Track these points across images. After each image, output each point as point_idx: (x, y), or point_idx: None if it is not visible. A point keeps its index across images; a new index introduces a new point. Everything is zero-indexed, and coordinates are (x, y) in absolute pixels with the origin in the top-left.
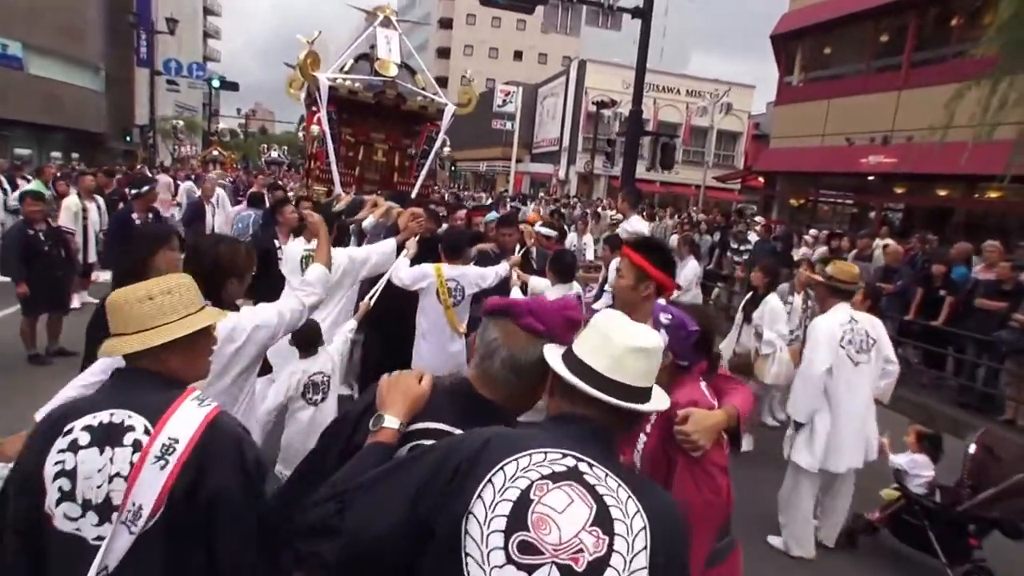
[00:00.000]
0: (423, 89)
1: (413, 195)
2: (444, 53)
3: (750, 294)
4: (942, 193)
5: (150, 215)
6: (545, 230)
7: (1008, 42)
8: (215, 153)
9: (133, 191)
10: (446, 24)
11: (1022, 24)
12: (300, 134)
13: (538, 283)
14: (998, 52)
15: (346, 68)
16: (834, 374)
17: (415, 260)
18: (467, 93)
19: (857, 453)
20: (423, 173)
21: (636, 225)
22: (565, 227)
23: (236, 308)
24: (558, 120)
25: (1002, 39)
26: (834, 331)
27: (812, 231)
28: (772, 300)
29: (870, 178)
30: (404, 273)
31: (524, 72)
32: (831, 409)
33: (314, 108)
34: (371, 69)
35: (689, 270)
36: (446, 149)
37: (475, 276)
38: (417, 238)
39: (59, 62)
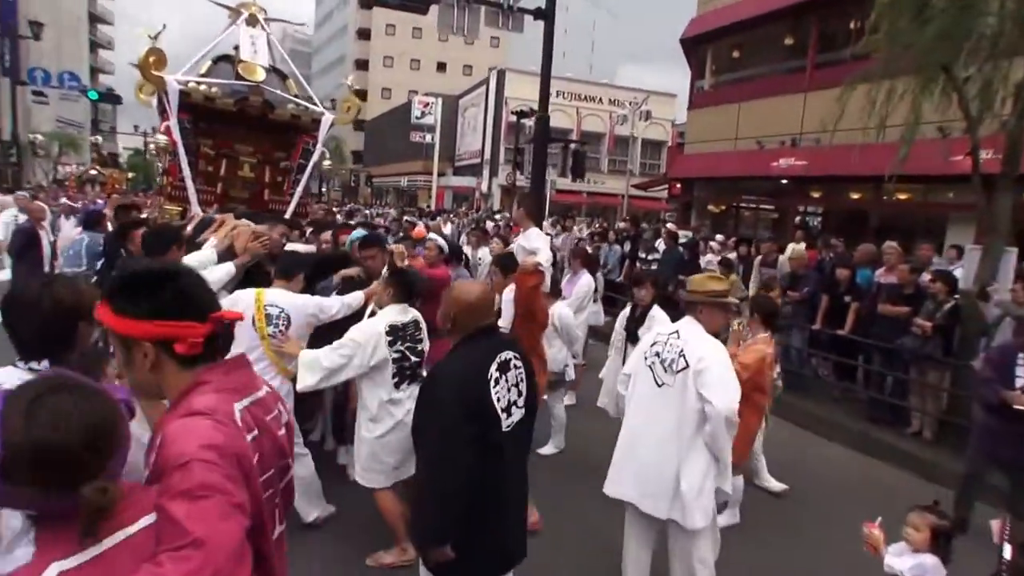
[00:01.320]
0: (296, 96)
1: (288, 213)
2: (363, 65)
3: (628, 309)
4: (855, 196)
5: None
6: (438, 240)
7: (888, 42)
8: (92, 172)
9: None
10: (364, 35)
11: (897, 26)
12: (151, 146)
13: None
14: (882, 52)
15: (203, 71)
16: (631, 387)
17: (242, 285)
18: (348, 102)
19: (642, 489)
20: (299, 189)
21: (534, 240)
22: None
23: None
24: (479, 131)
25: (882, 41)
26: (646, 340)
27: (719, 237)
28: (659, 314)
29: (784, 182)
30: (224, 301)
31: (449, 84)
32: (623, 424)
33: (164, 116)
34: (234, 73)
35: (582, 285)
36: (326, 163)
37: (311, 305)
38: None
39: None
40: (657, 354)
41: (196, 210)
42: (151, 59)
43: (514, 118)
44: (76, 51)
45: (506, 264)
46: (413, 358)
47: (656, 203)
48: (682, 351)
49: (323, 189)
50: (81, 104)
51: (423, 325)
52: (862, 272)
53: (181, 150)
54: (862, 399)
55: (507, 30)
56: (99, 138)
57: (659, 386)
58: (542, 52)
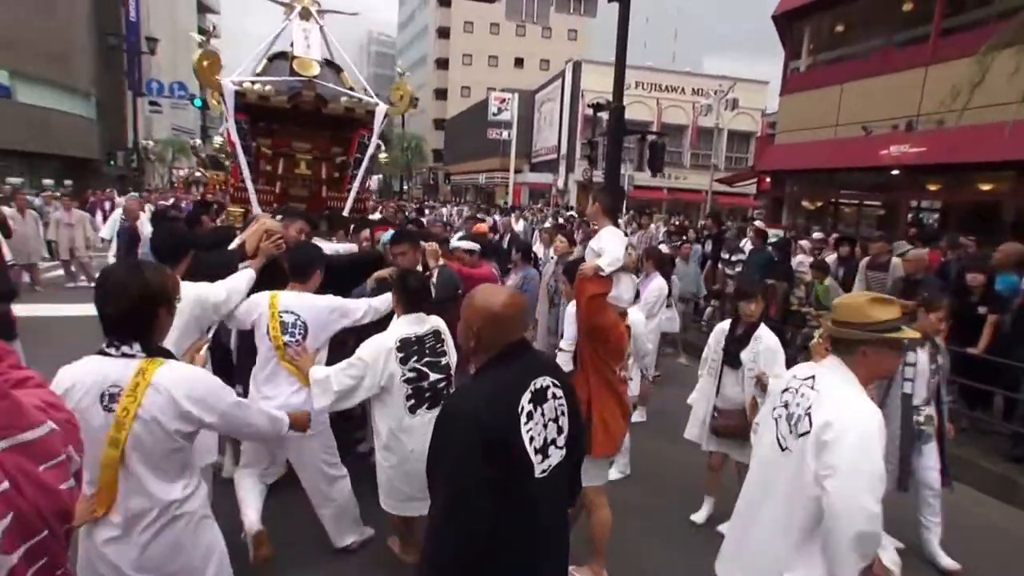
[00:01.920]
0: (351, 89)
1: (347, 210)
2: (443, 64)
3: (727, 325)
4: (985, 186)
5: None
6: (466, 244)
7: None
8: (197, 175)
9: None
10: (444, 33)
11: None
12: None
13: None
14: None
15: (259, 69)
16: (757, 437)
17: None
18: (399, 89)
19: None
20: (356, 184)
21: (604, 240)
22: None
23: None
24: (555, 126)
25: None
26: (777, 386)
27: (817, 234)
28: (766, 335)
29: (894, 172)
30: (240, 308)
31: (526, 79)
32: (744, 484)
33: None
34: (289, 69)
35: (652, 289)
36: (382, 155)
37: (330, 310)
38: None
39: (48, 89)
40: (786, 404)
41: (257, 211)
42: (205, 62)
43: (590, 111)
44: (188, 63)
45: (570, 271)
46: (434, 375)
47: (743, 199)
48: (810, 408)
49: (404, 188)
50: (191, 112)
51: (446, 336)
52: (1005, 278)
53: (240, 151)
54: (1002, 433)
55: (579, 15)
56: (199, 142)
57: (782, 449)
58: (616, 37)
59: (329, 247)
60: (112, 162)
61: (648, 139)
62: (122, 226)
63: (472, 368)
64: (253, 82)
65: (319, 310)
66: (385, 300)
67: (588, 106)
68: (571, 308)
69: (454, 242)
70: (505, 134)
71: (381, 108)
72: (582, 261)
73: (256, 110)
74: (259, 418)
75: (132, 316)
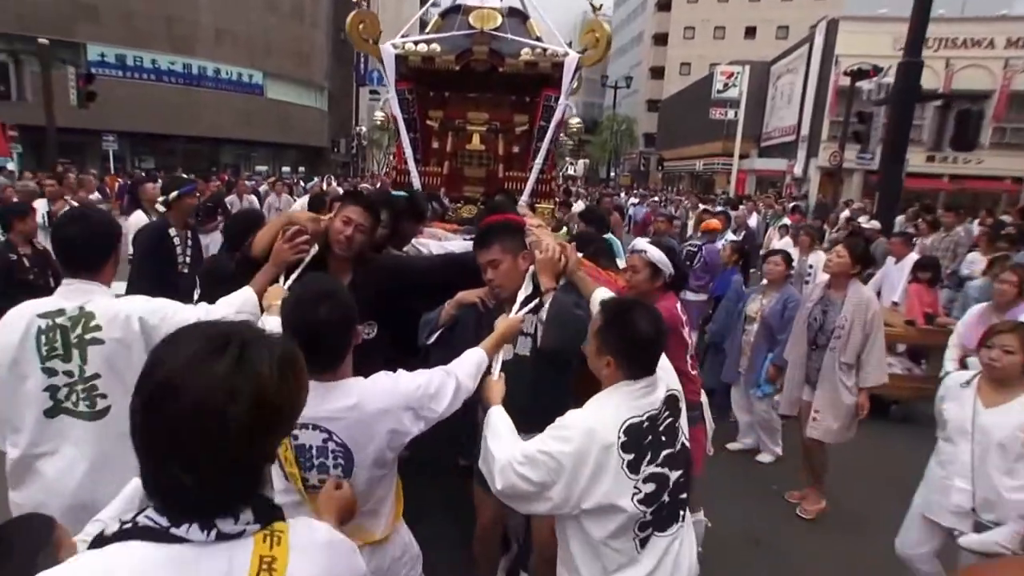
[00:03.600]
0: (538, 39)
1: (526, 193)
2: (661, 40)
3: None
4: None
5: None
6: (652, 252)
7: None
8: None
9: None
10: (664, 6)
11: None
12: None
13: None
14: None
15: (429, 28)
16: None
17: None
18: (593, 29)
19: None
20: (539, 160)
21: None
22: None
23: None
24: (795, 103)
25: None
26: None
27: None
28: None
29: None
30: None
31: (758, 51)
32: None
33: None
34: (465, 24)
35: None
36: (573, 121)
37: (394, 408)
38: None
39: (290, 85)
40: None
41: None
42: (360, 25)
43: (846, 81)
44: None
45: None
46: (674, 473)
47: None
48: None
49: (611, 174)
50: None
51: (682, 402)
52: None
53: (402, 126)
54: None
55: None
56: None
57: None
58: None
59: (434, 244)
60: (336, 149)
61: (954, 107)
62: None
63: None
64: (416, 42)
65: (370, 418)
66: (478, 357)
67: (844, 74)
68: None
69: (640, 243)
70: (731, 114)
71: (571, 58)
72: None
73: (422, 76)
74: None
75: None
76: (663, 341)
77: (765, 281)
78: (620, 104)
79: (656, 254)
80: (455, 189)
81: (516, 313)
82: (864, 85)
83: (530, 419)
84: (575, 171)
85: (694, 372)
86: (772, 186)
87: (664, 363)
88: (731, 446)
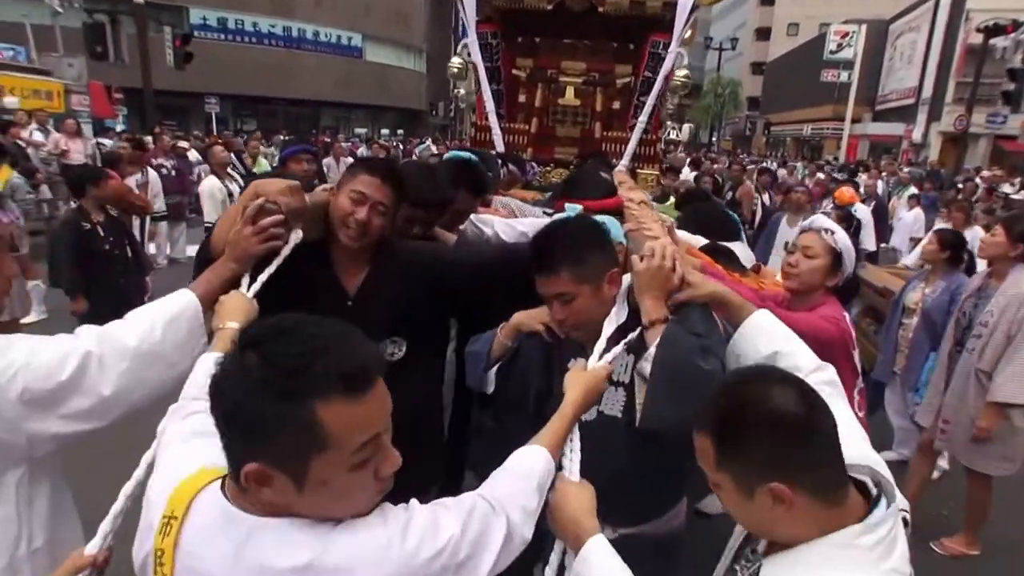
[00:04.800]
0: None
1: (626, 156)
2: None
3: None
4: None
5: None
6: (833, 229)
7: None
8: None
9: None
10: None
11: None
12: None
13: None
14: None
15: None
16: None
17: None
18: None
19: None
20: (642, 117)
21: None
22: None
23: None
24: (917, 63)
25: None
26: None
27: None
28: None
29: None
30: None
31: (874, 8)
32: None
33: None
34: None
35: None
36: (680, 72)
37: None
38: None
39: (389, 48)
40: None
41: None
42: None
43: (978, 39)
44: None
45: None
46: None
47: None
48: None
49: (713, 139)
50: None
51: None
52: None
53: (483, 76)
54: None
55: None
56: None
57: None
58: None
59: (499, 223)
60: (434, 112)
61: None
62: None
63: None
64: None
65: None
66: (541, 467)
67: (976, 30)
68: None
69: (821, 219)
70: (844, 76)
71: None
72: None
73: (509, 18)
74: None
75: None
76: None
77: (927, 267)
78: (723, 67)
79: (844, 239)
80: (545, 150)
81: (599, 360)
82: (999, 42)
83: (623, 510)
84: (679, 135)
85: (861, 414)
86: (887, 152)
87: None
88: (885, 455)
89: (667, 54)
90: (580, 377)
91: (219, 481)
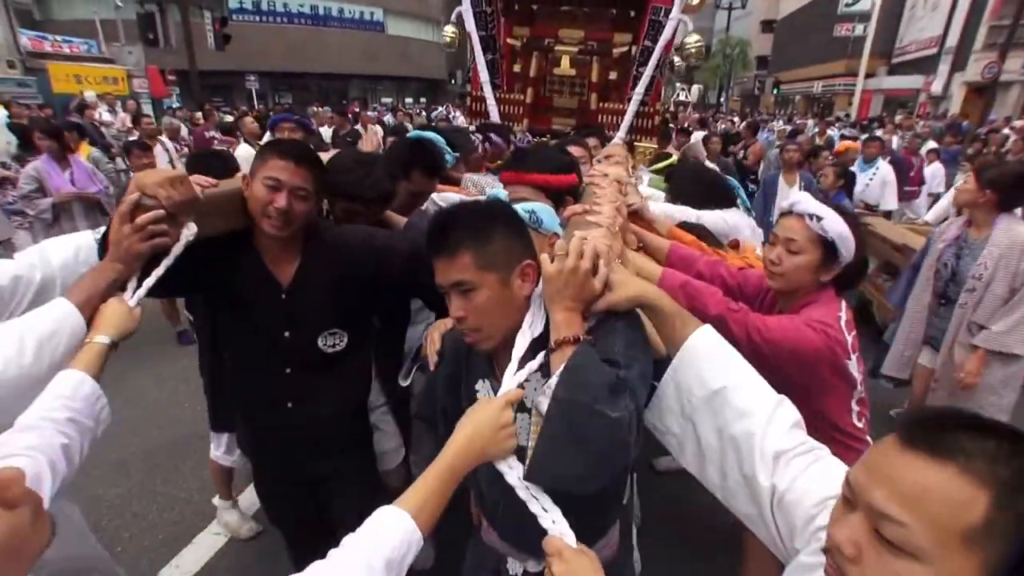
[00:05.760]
0: None
1: (623, 129)
2: None
3: None
4: None
5: None
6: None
7: None
8: None
9: None
10: None
11: None
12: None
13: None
14: None
15: None
16: None
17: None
18: None
19: None
20: (639, 88)
21: None
22: None
23: None
24: (943, 9)
25: None
26: None
27: None
28: None
29: None
30: None
31: None
32: None
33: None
34: None
35: None
36: (690, 40)
37: None
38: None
39: (409, 21)
40: None
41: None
42: None
43: None
44: None
45: None
46: None
47: None
48: None
49: (721, 99)
50: None
51: None
52: None
53: (476, 45)
54: None
55: None
56: None
57: None
58: None
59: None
60: (453, 81)
61: None
62: None
63: None
64: None
65: None
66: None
67: None
68: None
69: (805, 201)
70: (859, 29)
71: None
72: None
73: None
74: None
75: None
76: None
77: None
78: (732, 26)
79: (836, 225)
80: (541, 121)
81: (508, 384)
82: None
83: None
84: (688, 97)
85: (862, 423)
86: (902, 107)
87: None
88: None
89: (667, 21)
90: (470, 417)
91: None
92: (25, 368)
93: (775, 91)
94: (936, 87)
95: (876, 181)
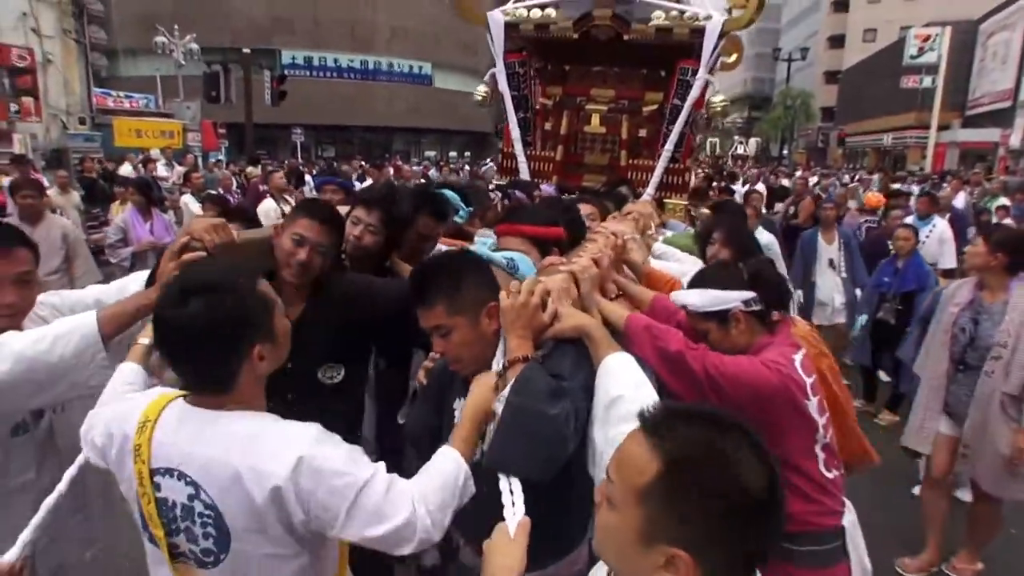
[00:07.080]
0: (678, 1)
1: (652, 185)
2: (841, 6)
3: None
4: None
5: None
6: None
7: None
8: None
9: None
10: None
11: None
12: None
13: None
14: None
15: None
16: None
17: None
18: None
19: None
20: (668, 145)
21: None
22: None
23: None
24: (1012, 63)
25: None
26: None
27: None
28: None
29: None
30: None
31: (958, 11)
32: None
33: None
34: None
35: None
36: (716, 99)
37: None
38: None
39: (457, 74)
40: None
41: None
42: None
43: None
44: None
45: None
46: None
47: None
48: None
49: (784, 152)
50: None
51: None
52: None
53: (508, 104)
54: None
55: None
56: None
57: None
58: None
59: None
60: (498, 134)
61: None
62: None
63: None
64: (529, 8)
65: (256, 478)
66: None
67: None
68: None
69: (680, 293)
70: (927, 81)
71: (714, 22)
72: None
73: (538, 48)
74: None
75: None
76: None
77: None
78: (793, 77)
79: (704, 297)
80: (572, 178)
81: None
82: None
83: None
84: (746, 150)
85: (832, 475)
86: (981, 160)
87: None
88: (960, 495)
89: (695, 81)
90: (472, 387)
91: (179, 398)
92: (41, 354)
93: (840, 144)
94: (1015, 140)
95: (932, 239)
